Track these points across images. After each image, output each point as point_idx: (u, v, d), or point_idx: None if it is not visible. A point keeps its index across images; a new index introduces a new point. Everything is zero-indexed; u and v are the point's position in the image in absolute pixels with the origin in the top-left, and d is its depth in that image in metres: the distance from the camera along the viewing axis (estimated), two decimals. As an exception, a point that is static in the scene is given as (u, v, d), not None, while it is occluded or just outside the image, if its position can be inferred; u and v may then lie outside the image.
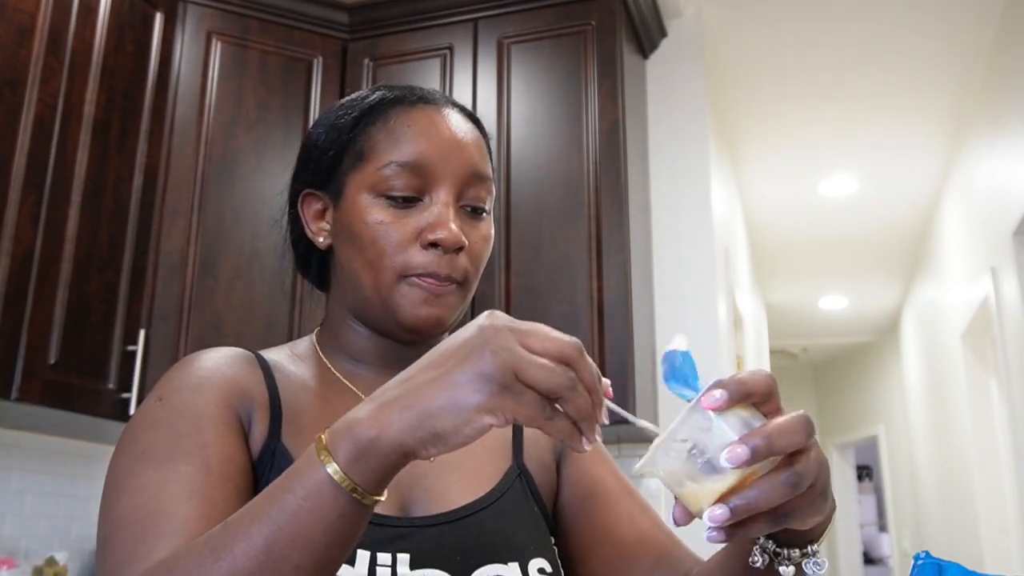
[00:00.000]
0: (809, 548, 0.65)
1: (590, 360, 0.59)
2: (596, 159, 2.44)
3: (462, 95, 2.62)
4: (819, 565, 0.64)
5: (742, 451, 0.54)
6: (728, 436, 0.55)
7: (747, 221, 4.78)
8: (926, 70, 3.51)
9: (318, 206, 0.90)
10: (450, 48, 2.68)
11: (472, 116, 0.92)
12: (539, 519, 0.88)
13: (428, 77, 2.67)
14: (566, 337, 0.58)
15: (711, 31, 3.13)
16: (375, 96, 0.89)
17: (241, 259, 2.43)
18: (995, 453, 4.10)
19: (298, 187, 0.92)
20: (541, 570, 0.82)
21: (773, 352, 6.30)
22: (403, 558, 0.76)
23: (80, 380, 2.07)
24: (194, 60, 2.52)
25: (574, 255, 2.38)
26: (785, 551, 0.65)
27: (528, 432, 0.92)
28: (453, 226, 0.83)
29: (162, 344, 2.29)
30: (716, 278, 2.83)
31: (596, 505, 0.90)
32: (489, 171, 0.89)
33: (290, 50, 2.66)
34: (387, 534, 0.77)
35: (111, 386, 2.16)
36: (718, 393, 0.57)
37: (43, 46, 2.04)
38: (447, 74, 2.66)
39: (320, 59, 2.70)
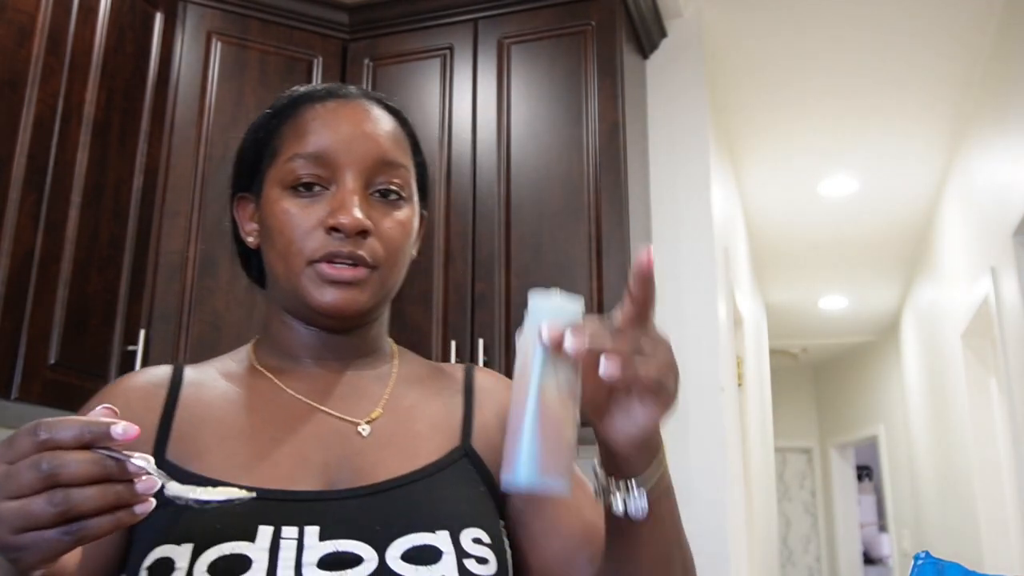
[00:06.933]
0: (630, 483, 0.70)
1: (71, 422, 0.59)
2: (596, 159, 2.44)
3: (462, 95, 2.62)
4: (637, 499, 0.70)
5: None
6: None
7: (747, 221, 4.77)
8: (926, 70, 3.51)
9: (250, 208, 0.93)
10: (450, 48, 2.68)
11: (391, 108, 0.94)
12: (485, 498, 0.86)
13: (428, 77, 2.67)
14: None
15: (711, 31, 3.13)
16: (288, 95, 0.93)
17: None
18: (995, 453, 4.10)
19: (233, 191, 0.95)
20: (477, 540, 0.80)
21: (773, 352, 6.30)
22: (311, 530, 0.76)
23: (80, 380, 2.07)
24: (194, 60, 2.52)
25: (574, 255, 2.38)
26: (609, 484, 0.71)
27: (480, 413, 0.92)
28: (356, 211, 0.84)
29: (162, 344, 2.29)
30: (716, 278, 2.83)
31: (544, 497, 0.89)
32: (402, 159, 0.90)
33: (290, 50, 2.66)
34: (297, 508, 0.77)
35: (111, 386, 2.16)
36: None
37: (43, 46, 2.04)
38: (447, 74, 2.66)
39: (320, 59, 2.70)
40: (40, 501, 0.57)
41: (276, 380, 0.89)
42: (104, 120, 2.20)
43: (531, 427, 0.62)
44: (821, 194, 4.62)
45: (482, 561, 0.79)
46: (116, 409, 0.62)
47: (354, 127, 0.88)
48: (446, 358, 2.37)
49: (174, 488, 0.63)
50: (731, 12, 3.11)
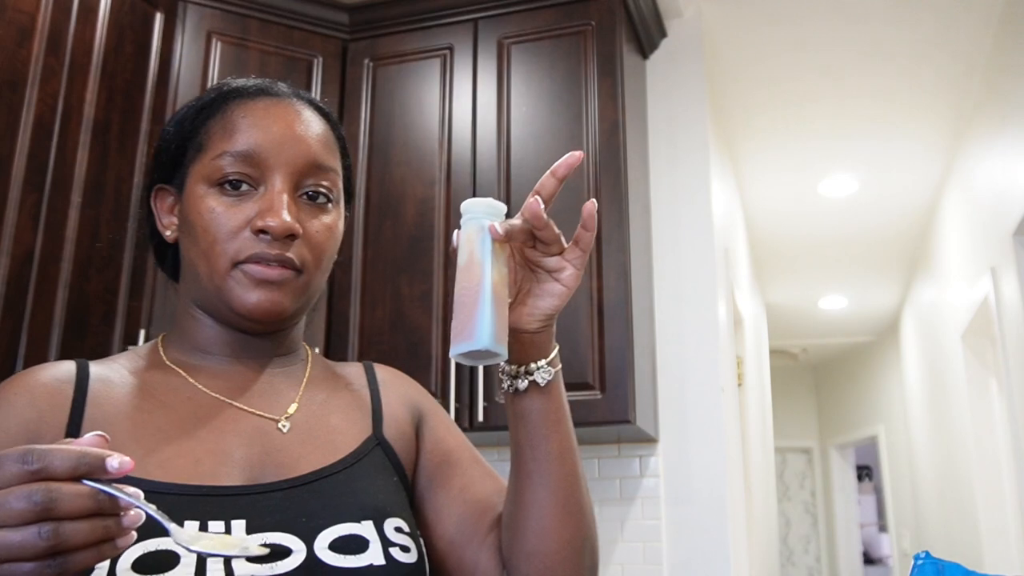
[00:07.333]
0: (539, 363, 0.81)
1: (65, 450, 0.57)
2: (596, 159, 2.44)
3: (462, 95, 2.62)
4: (548, 372, 0.81)
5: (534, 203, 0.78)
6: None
7: (747, 221, 4.78)
8: (926, 70, 3.51)
9: (169, 200, 0.91)
10: (450, 48, 2.68)
11: (321, 110, 0.93)
12: (398, 488, 0.89)
13: (428, 77, 2.67)
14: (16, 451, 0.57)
15: (711, 31, 3.13)
16: (217, 89, 0.92)
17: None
18: (995, 453, 4.10)
19: (152, 182, 0.93)
20: (398, 528, 0.83)
21: (773, 352, 6.30)
22: (238, 524, 0.76)
23: (80, 380, 2.07)
24: (194, 60, 2.52)
25: (574, 255, 2.38)
26: (521, 370, 0.81)
27: (387, 404, 0.95)
28: (284, 213, 0.83)
29: (162, 344, 2.29)
30: (716, 278, 2.83)
31: (449, 471, 0.93)
32: (331, 162, 0.90)
33: (290, 50, 2.66)
34: (222, 503, 0.77)
35: (111, 386, 2.16)
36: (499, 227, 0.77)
37: (43, 46, 2.04)
38: (447, 74, 2.66)
39: (320, 59, 2.70)
40: (27, 533, 0.55)
41: (188, 377, 0.87)
42: (104, 120, 2.20)
43: (488, 303, 0.74)
44: (821, 194, 4.62)
45: (405, 549, 0.82)
46: (108, 437, 0.60)
47: (285, 128, 0.87)
48: (446, 358, 2.37)
49: (181, 536, 0.61)
50: (731, 12, 3.11)
